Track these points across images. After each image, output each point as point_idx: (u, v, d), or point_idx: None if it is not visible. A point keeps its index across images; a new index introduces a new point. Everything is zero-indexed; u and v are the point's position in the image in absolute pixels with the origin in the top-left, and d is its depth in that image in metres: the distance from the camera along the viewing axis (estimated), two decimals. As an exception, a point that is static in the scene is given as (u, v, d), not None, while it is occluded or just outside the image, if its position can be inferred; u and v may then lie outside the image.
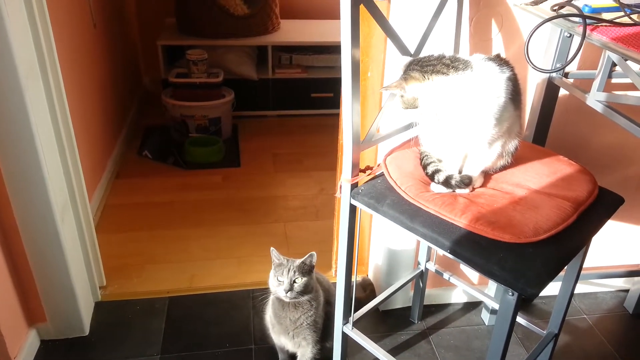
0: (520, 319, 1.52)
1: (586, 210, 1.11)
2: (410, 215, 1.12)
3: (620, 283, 1.95)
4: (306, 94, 3.40)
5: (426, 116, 1.09)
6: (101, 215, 2.34)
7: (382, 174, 1.26)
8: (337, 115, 1.72)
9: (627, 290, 1.92)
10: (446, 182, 1.15)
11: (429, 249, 1.67)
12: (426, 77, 1.06)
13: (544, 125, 1.47)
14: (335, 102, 3.45)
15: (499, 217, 1.05)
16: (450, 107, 1.06)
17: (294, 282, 1.38)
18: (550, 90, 1.42)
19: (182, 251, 2.13)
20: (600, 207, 1.15)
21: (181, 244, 2.18)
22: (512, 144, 1.16)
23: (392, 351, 1.69)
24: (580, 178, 1.20)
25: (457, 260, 1.04)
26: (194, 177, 2.70)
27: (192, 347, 1.68)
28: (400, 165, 1.24)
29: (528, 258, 0.99)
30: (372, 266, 1.90)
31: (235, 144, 3.07)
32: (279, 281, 1.39)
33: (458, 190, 1.16)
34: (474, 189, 1.17)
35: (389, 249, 1.76)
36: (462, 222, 1.06)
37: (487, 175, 1.21)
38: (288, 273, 1.38)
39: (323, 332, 1.50)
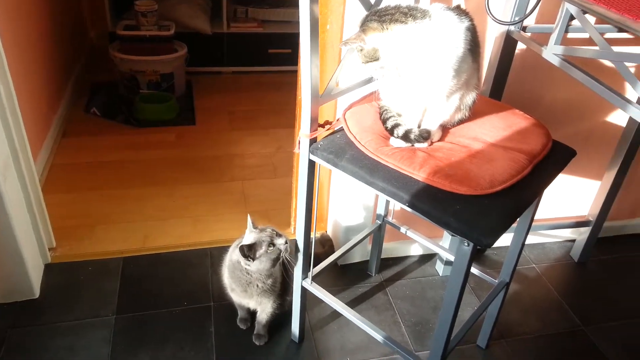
0: (473, 269, 1.57)
1: (540, 163, 1.13)
2: (369, 169, 1.11)
3: (567, 234, 2.04)
4: (263, 49, 3.30)
5: (386, 69, 1.07)
6: (48, 175, 2.23)
7: (341, 129, 1.24)
8: (295, 73, 1.68)
9: (573, 241, 2.01)
10: (405, 136, 1.14)
11: (387, 203, 1.69)
12: (385, 26, 1.03)
13: (501, 80, 1.48)
14: (294, 59, 3.35)
15: (456, 170, 1.06)
16: (410, 58, 1.04)
17: (286, 242, 1.37)
18: (508, 44, 1.42)
19: (134, 211, 2.07)
20: (553, 159, 1.17)
21: (133, 204, 2.11)
22: (470, 97, 1.16)
23: (350, 303, 1.72)
24: (535, 131, 1.21)
25: (415, 214, 1.05)
26: (146, 136, 2.61)
27: (148, 307, 1.65)
28: (360, 119, 1.22)
29: (483, 209, 1.00)
30: (331, 222, 1.91)
31: (190, 101, 2.97)
32: (272, 244, 1.36)
33: (417, 145, 1.16)
34: (432, 143, 1.17)
35: (347, 204, 1.77)
36: (420, 175, 1.06)
37: (445, 129, 1.21)
38: (278, 235, 1.37)
39: (282, 287, 1.50)
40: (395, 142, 1.16)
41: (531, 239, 2.02)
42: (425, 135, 1.14)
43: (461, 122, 1.21)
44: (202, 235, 1.96)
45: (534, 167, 1.11)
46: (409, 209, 1.06)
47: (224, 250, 1.53)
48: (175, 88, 2.95)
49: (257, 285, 1.42)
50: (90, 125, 2.65)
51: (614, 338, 1.67)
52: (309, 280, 1.45)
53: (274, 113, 2.89)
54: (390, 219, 1.72)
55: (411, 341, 1.61)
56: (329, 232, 1.94)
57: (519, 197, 1.05)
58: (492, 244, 0.96)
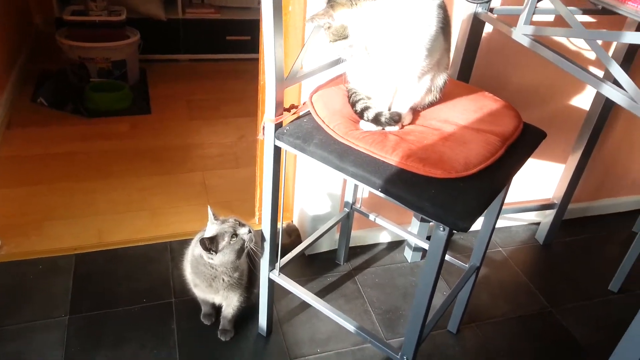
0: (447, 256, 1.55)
1: (512, 145, 1.11)
2: (339, 154, 1.06)
3: (532, 217, 2.06)
4: (221, 36, 3.19)
5: (355, 48, 1.01)
6: (-9, 170, 2.08)
7: (308, 113, 1.18)
8: (255, 60, 1.61)
9: (538, 223, 2.03)
10: (376, 120, 1.09)
11: (355, 190, 1.64)
12: (354, 2, 0.97)
13: (469, 62, 1.46)
14: (252, 46, 3.29)
15: (430, 154, 1.02)
16: (380, 36, 0.99)
17: (250, 232, 1.30)
18: (476, 26, 1.40)
19: (87, 205, 1.95)
20: (525, 141, 1.15)
21: (86, 197, 1.99)
22: (441, 79, 1.12)
23: (319, 293, 1.68)
24: (506, 113, 1.19)
25: (388, 199, 1.00)
26: (98, 126, 2.47)
27: (104, 305, 1.55)
28: (327, 103, 1.17)
29: (459, 193, 0.97)
30: (297, 211, 1.85)
31: (144, 89, 2.83)
32: (235, 235, 1.28)
33: (388, 128, 1.11)
34: (403, 126, 1.13)
35: (314, 193, 1.71)
36: (393, 159, 1.01)
37: (415, 112, 1.17)
38: (241, 225, 1.30)
39: (249, 280, 1.44)
40: (365, 126, 1.11)
41: (497, 223, 2.02)
42: (396, 118, 1.10)
43: (432, 104, 1.17)
44: (161, 229, 1.87)
45: (507, 149, 1.09)
46: (381, 194, 1.01)
47: (184, 243, 1.46)
48: (128, 76, 2.82)
49: (223, 280, 1.35)
50: (38, 115, 2.49)
51: (581, 317, 1.69)
52: (276, 271, 1.39)
53: (234, 101, 2.79)
54: (358, 206, 1.67)
55: (382, 329, 1.58)
56: (295, 222, 1.89)
57: (494, 179, 1.02)
58: (469, 228, 0.93)
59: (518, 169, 1.11)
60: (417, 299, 1.10)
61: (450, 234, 0.98)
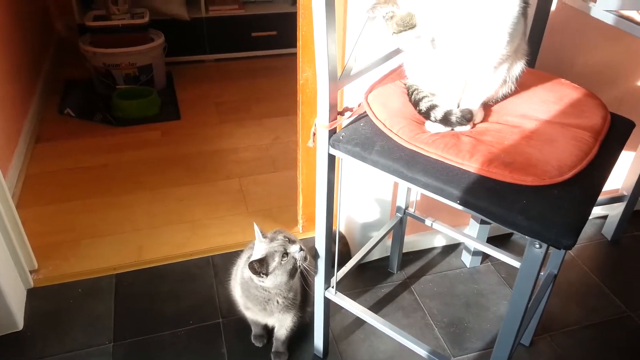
0: (510, 260, 1.41)
1: (604, 140, 0.96)
2: (407, 162, 0.93)
3: (598, 210, 1.89)
4: (246, 33, 3.07)
5: (423, 38, 0.88)
6: (22, 187, 2.01)
7: (364, 115, 1.05)
8: (283, 56, 1.49)
9: (605, 217, 1.86)
10: (445, 119, 0.96)
11: (408, 194, 1.51)
12: (423, -15, 0.84)
13: (535, 45, 1.30)
14: (279, 42, 3.18)
15: (515, 157, 0.88)
16: (456, 21, 0.85)
17: (301, 249, 1.18)
18: (543, 3, 1.24)
19: (123, 220, 1.86)
20: (614, 134, 1.00)
21: (122, 212, 1.90)
22: (518, 67, 0.98)
23: (374, 307, 1.56)
24: (590, 103, 1.04)
25: (469, 212, 0.87)
26: (128, 135, 2.39)
27: (149, 330, 1.46)
28: (386, 103, 1.04)
29: (555, 202, 0.83)
30: (343, 217, 1.73)
31: (172, 94, 2.74)
32: (285, 254, 1.17)
33: (458, 128, 0.98)
34: (474, 125, 1.00)
35: (361, 198, 1.59)
36: (472, 166, 0.88)
37: (486, 107, 1.03)
38: (291, 241, 1.19)
39: (302, 298, 1.32)
40: (433, 127, 0.98)
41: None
42: (468, 117, 0.96)
43: (505, 97, 1.03)
44: (202, 242, 1.77)
45: (600, 145, 0.94)
46: (460, 207, 0.88)
47: (227, 257, 1.35)
48: (155, 81, 2.73)
49: (278, 302, 1.24)
50: (66, 127, 2.42)
51: (664, 322, 1.53)
52: (332, 290, 1.28)
53: (265, 101, 2.68)
54: (412, 210, 1.54)
55: (447, 345, 1.45)
56: (342, 230, 1.76)
57: (591, 183, 0.88)
58: (574, 244, 0.79)
59: (612, 167, 0.97)
60: (505, 326, 0.96)
61: (546, 251, 0.84)
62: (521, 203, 0.83)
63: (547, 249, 0.83)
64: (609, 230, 1.83)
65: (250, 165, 2.19)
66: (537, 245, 0.83)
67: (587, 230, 1.86)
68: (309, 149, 1.65)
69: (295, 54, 1.52)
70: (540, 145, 0.91)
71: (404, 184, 0.94)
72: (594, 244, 1.81)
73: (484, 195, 0.85)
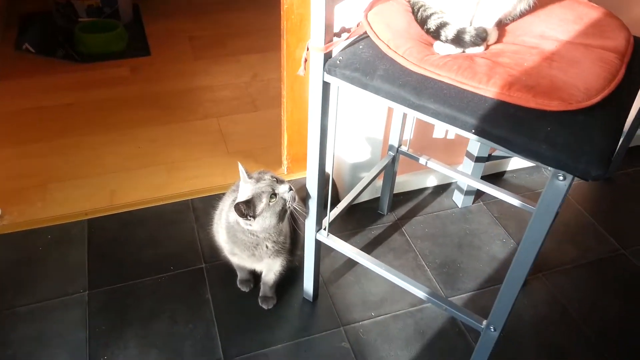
0: (513, 200, 1.35)
1: (630, 62, 0.88)
2: (414, 88, 0.82)
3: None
4: (218, -39, 2.84)
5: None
6: (-21, 129, 1.84)
7: (364, 37, 0.93)
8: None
9: (598, 156, 1.81)
10: (457, 39, 0.85)
11: (402, 131, 1.41)
12: None
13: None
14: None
15: (538, 79, 0.78)
16: None
17: (291, 189, 1.09)
18: None
19: (92, 163, 1.73)
20: (638, 56, 0.92)
21: (90, 154, 1.76)
22: (538, -20, 0.87)
23: (365, 249, 1.49)
24: (611, 23, 0.94)
25: (486, 143, 0.78)
26: (93, 72, 2.20)
27: (127, 277, 1.37)
28: (389, 21, 0.92)
29: (582, 129, 0.75)
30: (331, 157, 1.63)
31: (140, 28, 2.53)
32: (274, 194, 1.07)
33: (470, 49, 0.87)
34: (488, 46, 0.89)
35: (352, 135, 1.49)
36: (490, 90, 0.78)
37: (501, 26, 0.92)
38: (279, 181, 1.09)
39: (291, 242, 1.24)
40: (443, 48, 0.87)
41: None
42: (483, 36, 0.86)
43: (522, 15, 0.93)
44: (180, 185, 1.66)
45: (627, 67, 0.85)
46: (475, 137, 0.79)
47: (208, 201, 1.25)
48: (120, 13, 2.51)
49: (267, 247, 1.15)
50: (25, 64, 2.22)
51: (657, 259, 1.52)
52: (324, 232, 1.20)
53: (240, 36, 2.50)
54: (405, 149, 1.45)
55: (440, 286, 1.40)
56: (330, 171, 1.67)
57: (619, 107, 0.80)
58: (604, 175, 0.71)
59: (638, 93, 0.88)
60: (516, 263, 0.90)
61: (570, 184, 0.76)
62: (545, 131, 0.74)
63: (572, 181, 0.75)
64: (602, 168, 1.78)
65: (228, 104, 2.05)
66: (561, 177, 0.75)
67: (580, 169, 1.81)
68: (293, 84, 1.53)
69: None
70: (564, 67, 0.81)
71: (411, 114, 0.84)
72: (587, 181, 1.77)
73: (504, 123, 0.76)
